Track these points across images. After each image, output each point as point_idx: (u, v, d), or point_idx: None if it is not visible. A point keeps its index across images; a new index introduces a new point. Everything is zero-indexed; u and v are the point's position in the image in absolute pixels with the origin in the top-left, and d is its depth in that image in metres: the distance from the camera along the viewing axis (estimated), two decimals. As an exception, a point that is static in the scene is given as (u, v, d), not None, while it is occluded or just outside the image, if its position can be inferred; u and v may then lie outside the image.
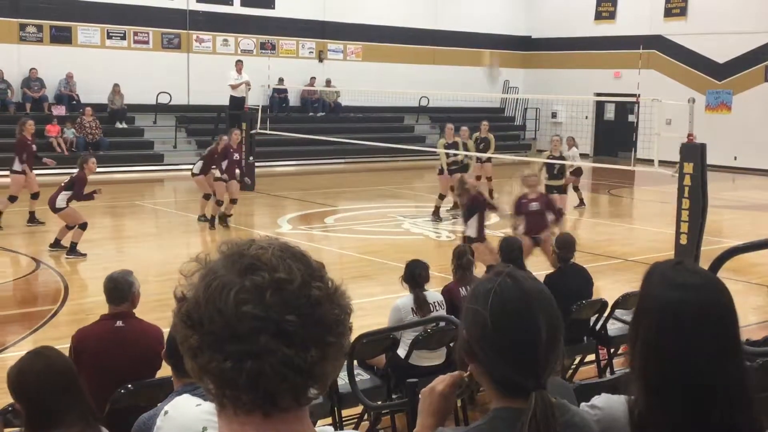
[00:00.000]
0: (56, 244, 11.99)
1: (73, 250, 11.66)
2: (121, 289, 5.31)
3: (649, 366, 1.87)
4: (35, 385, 3.21)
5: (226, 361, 1.23)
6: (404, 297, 6.37)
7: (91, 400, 3.43)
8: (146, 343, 5.17)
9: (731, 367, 1.85)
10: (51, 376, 3.23)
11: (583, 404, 2.05)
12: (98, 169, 12.59)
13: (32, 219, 13.93)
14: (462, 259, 6.81)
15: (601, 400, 2.04)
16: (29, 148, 13.70)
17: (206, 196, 14.45)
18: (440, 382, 1.94)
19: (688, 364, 1.84)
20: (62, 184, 11.90)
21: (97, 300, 5.75)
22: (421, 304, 6.24)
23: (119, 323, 5.22)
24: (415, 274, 6.34)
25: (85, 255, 11.72)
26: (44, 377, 3.22)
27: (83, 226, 11.79)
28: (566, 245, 7.27)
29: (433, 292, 6.49)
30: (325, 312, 1.26)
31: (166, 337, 3.81)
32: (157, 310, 7.05)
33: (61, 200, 11.66)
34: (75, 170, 11.99)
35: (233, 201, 14.29)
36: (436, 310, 6.27)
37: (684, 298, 1.87)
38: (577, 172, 16.71)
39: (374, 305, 8.99)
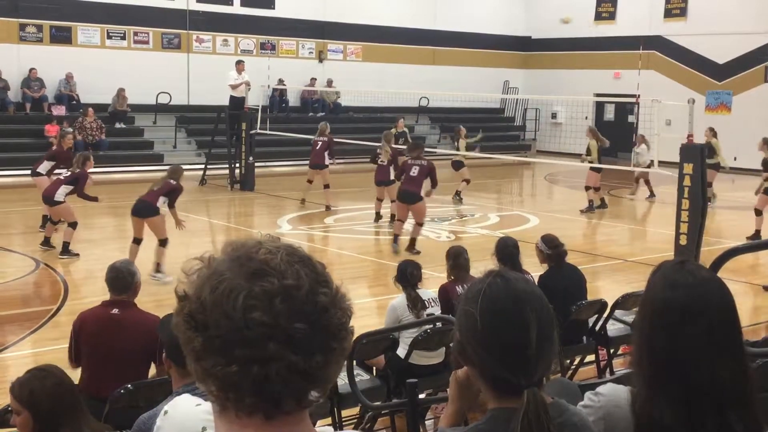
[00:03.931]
0: (46, 243, 11.92)
1: (66, 250, 11.55)
2: (122, 279, 5.41)
3: (643, 360, 1.93)
4: (48, 403, 3.46)
5: (231, 366, 1.22)
6: (399, 297, 6.40)
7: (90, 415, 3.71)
8: (141, 332, 5.22)
9: (724, 368, 1.85)
10: (61, 393, 3.52)
11: (587, 392, 2.08)
12: (98, 170, 12.53)
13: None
14: (458, 259, 6.80)
15: (605, 388, 2.08)
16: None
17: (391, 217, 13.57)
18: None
19: (677, 361, 1.87)
20: (62, 178, 11.77)
21: (97, 300, 5.77)
22: (414, 302, 6.26)
23: (115, 311, 5.32)
24: (407, 274, 6.37)
25: (77, 255, 11.64)
26: (56, 395, 3.49)
27: (73, 225, 11.63)
28: (552, 245, 7.22)
29: (426, 290, 6.52)
30: (330, 317, 1.26)
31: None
32: (157, 311, 7.02)
33: (60, 193, 11.47)
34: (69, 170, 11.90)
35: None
36: (431, 307, 6.30)
37: (673, 297, 1.91)
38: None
39: (374, 306, 9.00)
